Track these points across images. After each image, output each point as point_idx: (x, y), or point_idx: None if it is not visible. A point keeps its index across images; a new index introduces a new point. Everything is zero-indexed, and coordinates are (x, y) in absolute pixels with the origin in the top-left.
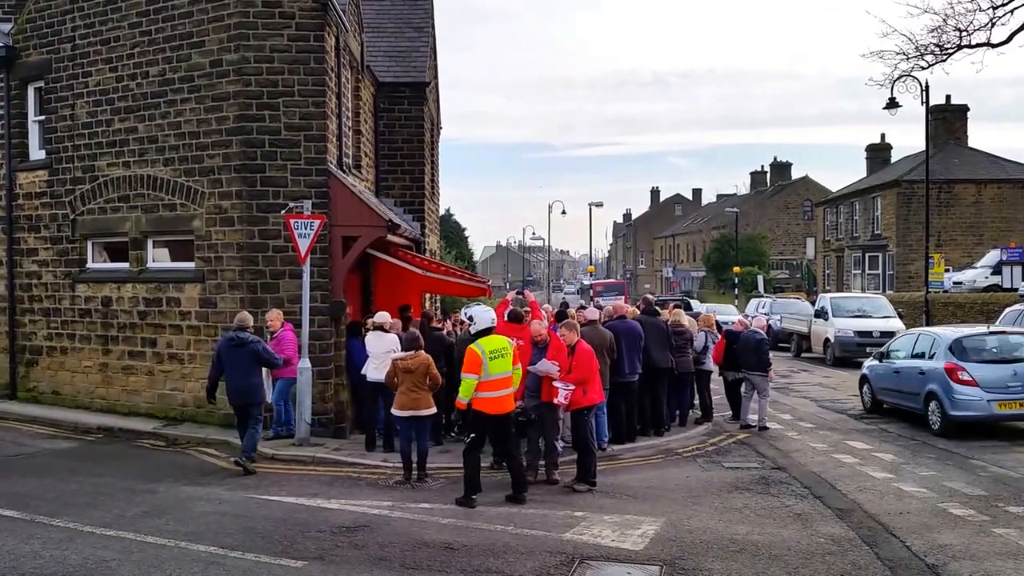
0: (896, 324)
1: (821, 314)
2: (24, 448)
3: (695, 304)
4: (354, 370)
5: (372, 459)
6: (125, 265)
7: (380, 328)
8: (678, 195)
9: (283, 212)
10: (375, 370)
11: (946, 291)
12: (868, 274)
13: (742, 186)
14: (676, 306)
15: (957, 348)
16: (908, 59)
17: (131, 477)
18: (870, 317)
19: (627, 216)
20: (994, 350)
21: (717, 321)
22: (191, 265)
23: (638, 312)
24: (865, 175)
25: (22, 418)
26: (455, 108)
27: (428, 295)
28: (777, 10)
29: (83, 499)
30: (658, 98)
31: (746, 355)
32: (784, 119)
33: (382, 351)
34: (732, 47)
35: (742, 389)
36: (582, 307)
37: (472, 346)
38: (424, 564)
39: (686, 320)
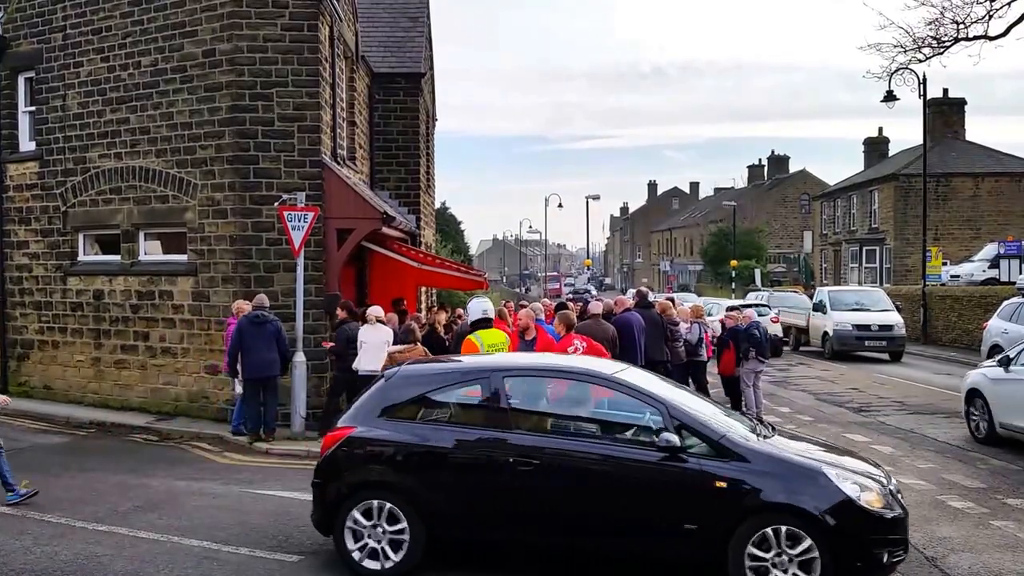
0: (894, 318)
1: (819, 307)
2: (15, 443)
3: (692, 297)
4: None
5: None
6: (117, 258)
7: (379, 320)
8: (675, 188)
9: (277, 204)
10: (368, 362)
11: (943, 284)
12: (865, 268)
13: (739, 179)
14: (669, 299)
15: None
16: (906, 52)
17: (124, 472)
18: (868, 311)
19: (624, 210)
20: None
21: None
22: (184, 258)
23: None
24: (863, 168)
25: (13, 413)
26: (450, 100)
27: (424, 288)
28: (779, 1)
29: (75, 494)
30: (656, 90)
31: (767, 347)
32: (782, 112)
33: (379, 341)
34: (733, 39)
35: (753, 381)
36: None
37: (471, 337)
38: None
39: (675, 312)
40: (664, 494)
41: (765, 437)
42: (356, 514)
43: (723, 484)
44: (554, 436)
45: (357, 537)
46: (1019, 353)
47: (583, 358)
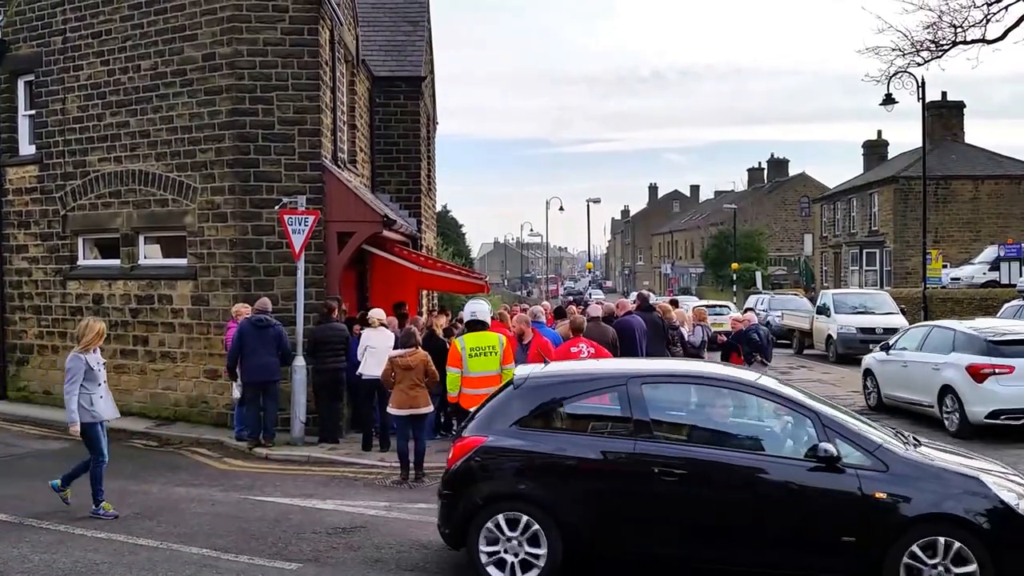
0: (899, 320)
1: (823, 310)
2: (14, 449)
3: (692, 299)
4: (350, 367)
5: (368, 459)
6: (116, 262)
7: (381, 323)
8: (676, 191)
9: (277, 208)
10: (373, 366)
11: (944, 287)
12: (866, 270)
13: (739, 182)
14: (672, 301)
15: None
16: (904, 55)
17: (123, 478)
18: (872, 313)
19: (625, 212)
20: None
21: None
22: (183, 262)
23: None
24: (862, 171)
25: (12, 418)
26: (451, 103)
27: (425, 292)
28: (777, 5)
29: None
30: (656, 94)
31: (769, 348)
32: (782, 115)
33: (385, 346)
34: (732, 43)
35: None
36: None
37: (455, 340)
38: (420, 565)
39: (674, 315)
40: (820, 506)
41: (915, 447)
42: (491, 526)
43: (883, 495)
44: (699, 445)
45: (492, 550)
46: (896, 339)
47: (721, 366)
